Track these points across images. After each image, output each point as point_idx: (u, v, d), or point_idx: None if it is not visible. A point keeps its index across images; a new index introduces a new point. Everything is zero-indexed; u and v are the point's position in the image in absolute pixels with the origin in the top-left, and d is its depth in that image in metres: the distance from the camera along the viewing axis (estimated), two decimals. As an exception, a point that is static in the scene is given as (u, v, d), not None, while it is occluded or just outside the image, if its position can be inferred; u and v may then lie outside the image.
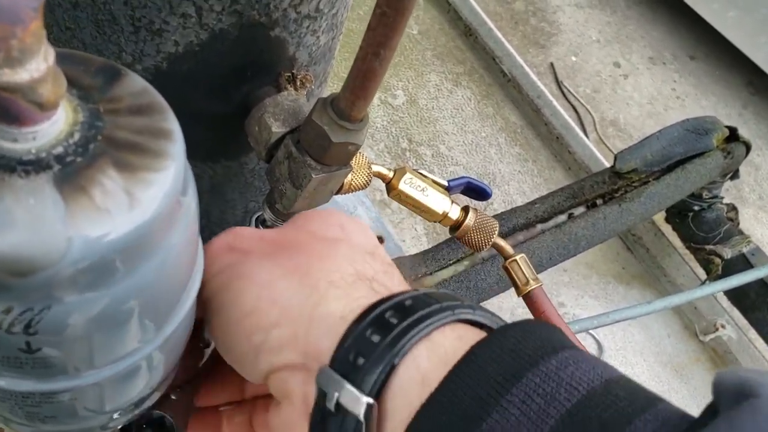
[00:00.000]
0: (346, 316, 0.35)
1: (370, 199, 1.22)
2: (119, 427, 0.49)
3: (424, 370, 0.32)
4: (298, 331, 0.36)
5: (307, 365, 0.35)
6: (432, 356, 0.32)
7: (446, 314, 0.34)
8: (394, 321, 0.33)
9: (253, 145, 0.60)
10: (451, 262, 1.01)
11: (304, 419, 0.35)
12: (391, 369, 0.32)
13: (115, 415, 0.44)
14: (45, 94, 0.27)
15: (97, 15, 0.51)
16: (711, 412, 0.29)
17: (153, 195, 0.30)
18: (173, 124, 0.33)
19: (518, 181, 1.90)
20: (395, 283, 0.39)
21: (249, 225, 0.62)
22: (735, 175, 1.54)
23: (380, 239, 1.21)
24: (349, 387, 0.32)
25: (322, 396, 0.33)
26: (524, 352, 0.31)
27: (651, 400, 0.30)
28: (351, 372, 0.32)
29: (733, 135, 1.45)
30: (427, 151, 1.86)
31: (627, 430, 0.28)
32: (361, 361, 0.32)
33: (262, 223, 0.62)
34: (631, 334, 1.69)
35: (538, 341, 0.32)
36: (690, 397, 1.64)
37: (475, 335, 0.34)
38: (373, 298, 0.35)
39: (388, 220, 1.62)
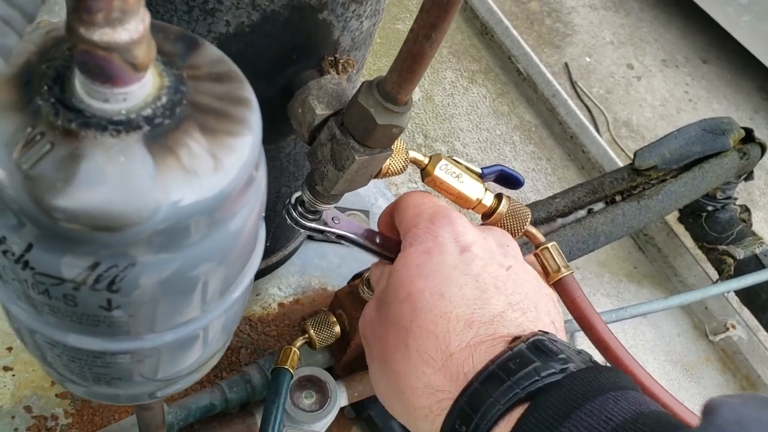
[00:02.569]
0: None
1: (391, 192, 1.23)
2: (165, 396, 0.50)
3: None
4: None
5: None
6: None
7: (496, 410, 0.39)
8: (464, 430, 0.40)
9: (295, 127, 0.61)
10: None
11: None
12: None
13: (162, 385, 0.45)
14: (140, 55, 0.28)
15: (152, -6, 0.52)
16: None
17: (235, 159, 0.31)
18: (250, 94, 0.34)
19: (532, 179, 1.90)
20: (453, 381, 0.43)
21: (286, 205, 0.63)
22: (749, 176, 1.55)
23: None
24: None
25: None
26: (576, 396, 0.37)
27: (674, 427, 0.35)
28: None
29: (749, 136, 1.45)
30: (443, 147, 1.87)
31: None
32: None
33: (300, 203, 0.63)
34: (641, 332, 1.70)
35: (588, 386, 0.38)
36: (699, 395, 1.65)
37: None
38: (444, 410, 0.42)
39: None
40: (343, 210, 1.13)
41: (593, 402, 0.37)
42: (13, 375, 0.86)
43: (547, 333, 0.43)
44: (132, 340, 0.36)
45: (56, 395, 0.85)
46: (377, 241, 0.59)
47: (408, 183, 1.72)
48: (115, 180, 0.28)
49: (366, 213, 1.17)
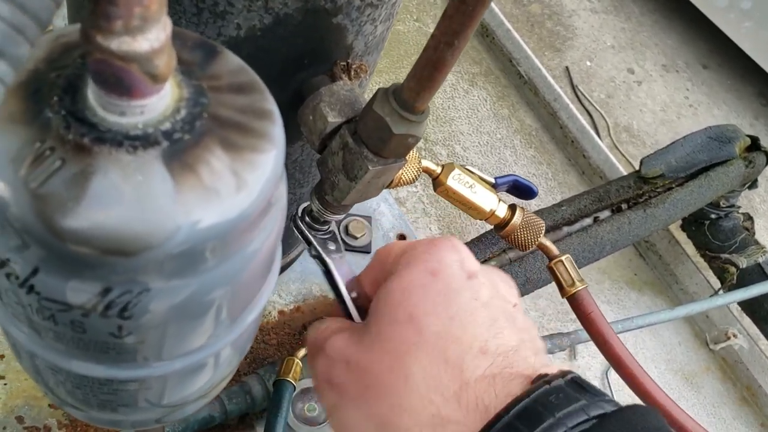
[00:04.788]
0: None
1: (393, 197, 1.21)
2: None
3: None
4: None
5: None
6: None
7: None
8: None
9: (305, 134, 0.59)
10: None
11: None
12: None
13: (168, 411, 0.43)
14: (161, 65, 0.26)
15: (160, -6, 0.50)
16: None
17: (258, 177, 0.29)
18: (273, 105, 0.32)
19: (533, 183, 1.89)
20: (470, 413, 0.39)
21: (293, 216, 0.61)
22: (753, 184, 1.54)
23: (403, 237, 1.20)
24: None
25: None
26: None
27: None
28: None
29: (754, 144, 1.44)
30: (443, 150, 1.85)
31: None
32: None
33: (308, 214, 0.61)
34: (642, 341, 1.68)
35: (623, 429, 0.35)
36: (700, 405, 1.63)
37: None
38: None
39: (407, 218, 1.61)
40: (346, 216, 1.11)
41: None
42: (5, 384, 0.83)
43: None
44: (141, 367, 0.34)
45: (49, 405, 0.83)
46: (351, 295, 0.52)
47: (409, 186, 1.70)
48: (131, 200, 0.26)
49: (368, 219, 1.15)
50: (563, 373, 0.37)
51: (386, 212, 1.19)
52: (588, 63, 2.32)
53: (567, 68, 2.25)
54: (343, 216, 0.62)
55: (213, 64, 0.31)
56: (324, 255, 0.57)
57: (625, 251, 1.81)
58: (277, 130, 0.31)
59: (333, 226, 0.61)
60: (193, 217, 0.27)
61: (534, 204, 1.82)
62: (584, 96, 2.19)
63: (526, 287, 1.01)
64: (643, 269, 1.82)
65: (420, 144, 1.84)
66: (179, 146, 0.27)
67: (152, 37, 0.25)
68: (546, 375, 0.38)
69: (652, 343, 1.69)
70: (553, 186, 1.90)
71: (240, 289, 0.34)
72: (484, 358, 0.40)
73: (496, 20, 2.07)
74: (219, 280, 0.31)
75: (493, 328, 0.41)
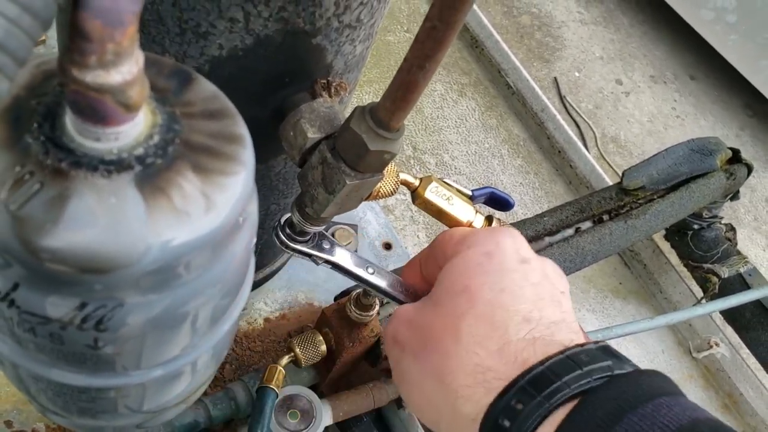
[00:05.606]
0: (476, 418, 0.42)
1: (379, 205, 1.23)
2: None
3: None
4: (452, 428, 0.45)
5: None
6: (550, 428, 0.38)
7: (564, 392, 0.38)
8: (519, 408, 0.39)
9: (287, 149, 0.60)
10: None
11: None
12: None
13: (149, 416, 0.45)
14: (133, 96, 0.28)
15: (144, 15, 0.52)
16: None
17: (227, 198, 0.31)
18: (244, 130, 0.34)
19: (520, 193, 1.91)
20: (514, 355, 0.43)
21: (275, 227, 0.63)
22: (735, 196, 1.56)
23: (388, 246, 1.21)
24: None
25: None
26: (626, 398, 0.37)
27: None
28: None
29: (735, 156, 1.46)
30: (431, 159, 1.87)
31: None
32: None
33: (289, 225, 0.63)
34: (626, 349, 1.70)
35: (640, 389, 0.38)
36: (682, 413, 1.66)
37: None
38: (493, 395, 0.41)
39: (392, 227, 1.63)
40: (331, 224, 1.12)
41: (646, 406, 0.37)
42: (-6, 389, 0.84)
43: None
44: (118, 376, 0.36)
45: (37, 410, 0.84)
46: (370, 271, 0.59)
47: (398, 195, 1.72)
48: (105, 221, 0.28)
49: (354, 227, 1.17)
50: (596, 342, 0.42)
51: (372, 221, 1.20)
52: (576, 74, 2.35)
53: (555, 79, 2.28)
54: (323, 227, 0.64)
55: (187, 92, 0.33)
56: (330, 257, 0.61)
57: (611, 260, 1.84)
58: (246, 153, 0.33)
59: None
60: (164, 237, 0.29)
61: (521, 213, 1.85)
62: (572, 106, 2.22)
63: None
64: (628, 278, 1.84)
65: (409, 152, 1.86)
66: (152, 170, 0.29)
67: (125, 71, 0.27)
68: (583, 344, 0.42)
69: (635, 351, 1.71)
70: (540, 195, 1.92)
71: (214, 301, 0.36)
72: (527, 324, 0.44)
73: (486, 32, 2.10)
74: (192, 294, 0.33)
75: (538, 304, 0.46)
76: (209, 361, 0.42)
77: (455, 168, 1.88)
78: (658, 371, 0.41)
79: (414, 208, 1.74)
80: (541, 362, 0.40)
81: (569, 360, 0.40)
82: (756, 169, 2.32)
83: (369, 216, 1.21)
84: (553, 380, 0.39)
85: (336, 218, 1.17)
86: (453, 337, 0.45)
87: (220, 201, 0.30)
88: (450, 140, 1.93)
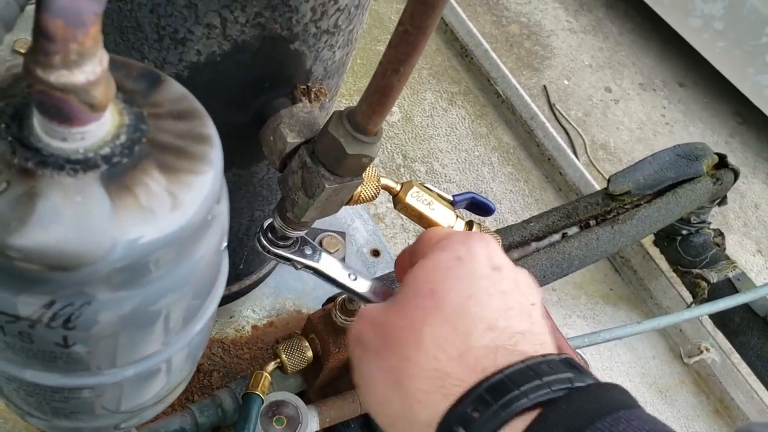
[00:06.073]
0: (431, 424, 0.41)
1: (367, 213, 1.23)
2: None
3: None
4: None
5: None
6: None
7: (522, 402, 0.38)
8: (476, 415, 0.39)
9: (267, 154, 0.61)
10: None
11: None
12: None
13: (127, 416, 0.45)
14: (98, 96, 0.28)
15: (123, 22, 0.52)
16: None
17: (194, 197, 0.31)
18: (211, 130, 0.34)
19: (510, 200, 1.92)
20: (469, 371, 0.42)
21: (258, 232, 0.63)
22: (723, 201, 1.57)
23: (376, 253, 1.22)
24: None
25: None
26: (585, 412, 0.37)
27: None
28: None
29: (722, 162, 1.48)
30: (421, 167, 1.88)
31: None
32: None
33: (271, 230, 0.63)
34: (617, 355, 1.71)
35: (597, 402, 0.38)
36: (674, 419, 1.66)
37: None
38: (450, 401, 0.41)
39: (381, 234, 1.63)
40: (319, 231, 1.13)
41: (604, 420, 0.37)
42: (-21, 398, 0.84)
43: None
44: (92, 375, 0.36)
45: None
46: (351, 277, 0.60)
47: (387, 203, 1.72)
48: (70, 219, 0.28)
49: (342, 234, 1.17)
50: (559, 353, 0.42)
51: (360, 228, 1.21)
52: (566, 82, 2.36)
53: (545, 87, 2.29)
54: (305, 231, 0.64)
55: (155, 93, 0.34)
56: (310, 263, 0.61)
57: (601, 267, 1.84)
58: (214, 152, 0.33)
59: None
60: (130, 235, 0.29)
61: (511, 221, 1.85)
62: (562, 114, 2.23)
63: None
64: (618, 284, 1.85)
65: (399, 161, 1.87)
66: (118, 169, 0.30)
67: (88, 70, 0.27)
68: (545, 354, 0.42)
69: (626, 357, 1.71)
70: (530, 203, 1.93)
71: (185, 299, 0.36)
72: (492, 332, 0.44)
73: (475, 41, 2.11)
74: (162, 292, 0.33)
75: (506, 313, 0.45)
76: (184, 360, 0.42)
77: (445, 176, 1.89)
78: (617, 384, 0.41)
79: (404, 216, 1.75)
80: (501, 370, 0.40)
81: (529, 370, 0.39)
82: (745, 175, 2.34)
83: (357, 223, 1.21)
84: (510, 389, 0.39)
85: (324, 225, 1.18)
86: (415, 341, 0.44)
87: (186, 199, 0.31)
88: (440, 148, 1.94)
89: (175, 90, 0.34)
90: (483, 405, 0.39)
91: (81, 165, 0.29)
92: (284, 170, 0.61)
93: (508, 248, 1.11)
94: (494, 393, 0.39)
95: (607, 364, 1.68)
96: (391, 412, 0.45)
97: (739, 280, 1.59)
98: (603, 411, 0.37)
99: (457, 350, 0.43)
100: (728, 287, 1.58)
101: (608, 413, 0.37)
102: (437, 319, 0.44)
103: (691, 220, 1.57)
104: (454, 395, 0.40)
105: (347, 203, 0.65)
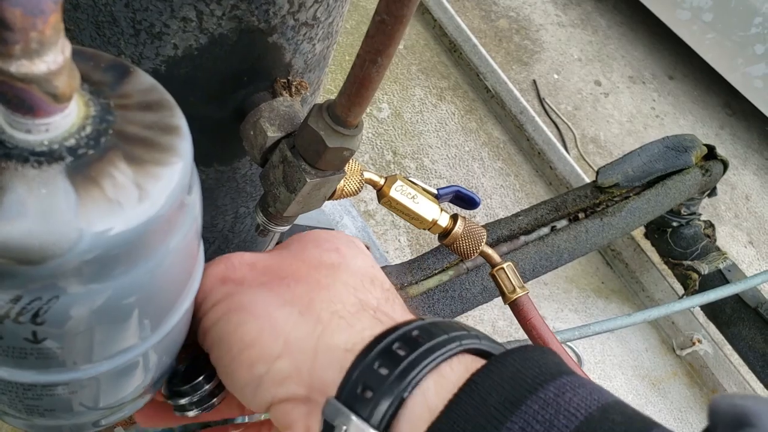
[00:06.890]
0: (352, 348, 0.35)
1: (356, 210, 1.23)
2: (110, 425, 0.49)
3: (433, 403, 0.32)
4: (303, 364, 0.36)
5: (312, 398, 0.35)
6: (440, 390, 0.32)
7: (454, 345, 0.34)
8: (401, 353, 0.33)
9: (247, 149, 0.61)
10: (436, 271, 1.02)
11: None
12: (400, 402, 0.32)
13: (107, 413, 0.45)
14: (60, 86, 0.28)
15: (98, 17, 0.52)
16: None
17: (162, 189, 0.31)
18: (181, 121, 0.34)
19: (500, 195, 1.92)
20: (398, 312, 0.40)
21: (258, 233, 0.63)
22: (713, 192, 1.57)
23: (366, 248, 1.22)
24: (356, 420, 0.32)
25: (328, 429, 0.33)
26: (523, 379, 0.31)
27: (647, 425, 0.30)
28: (359, 405, 0.32)
29: (711, 153, 1.48)
30: (411, 163, 1.88)
31: None
32: (369, 394, 0.32)
33: (255, 227, 0.63)
34: (609, 348, 1.71)
35: (536, 368, 0.32)
36: (667, 411, 1.66)
37: (481, 365, 0.33)
38: (378, 329, 0.35)
39: (372, 231, 1.63)
40: (307, 228, 1.13)
41: (547, 389, 0.30)
42: (-35, 401, 0.84)
43: None
44: (65, 371, 0.36)
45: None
46: None
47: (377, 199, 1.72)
48: (35, 212, 0.28)
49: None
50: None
51: (349, 224, 1.21)
52: (555, 76, 2.36)
53: (534, 81, 2.29)
54: (288, 227, 0.64)
55: (124, 84, 0.33)
56: None
57: (592, 260, 1.85)
58: (183, 144, 0.33)
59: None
60: (96, 228, 0.29)
61: (502, 215, 1.85)
62: (551, 108, 2.23)
63: (483, 295, 1.03)
64: (610, 277, 1.85)
65: (389, 157, 1.87)
66: (83, 161, 0.29)
67: (50, 60, 0.27)
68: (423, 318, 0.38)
69: (619, 350, 1.72)
70: (521, 197, 1.93)
71: (160, 291, 0.36)
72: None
73: (463, 35, 2.11)
74: (136, 284, 0.33)
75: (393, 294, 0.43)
76: (162, 353, 0.42)
77: (436, 172, 1.89)
78: (544, 347, 0.35)
79: (389, 210, 1.75)
80: (413, 321, 0.36)
81: (454, 323, 0.36)
82: (736, 166, 2.35)
83: (346, 220, 1.21)
84: (438, 333, 0.34)
85: (313, 222, 1.17)
86: (329, 275, 0.40)
87: (154, 191, 0.30)
88: (430, 144, 1.94)
89: (144, 81, 0.34)
90: (410, 344, 0.33)
91: (45, 157, 0.29)
92: (265, 165, 0.61)
93: (496, 242, 1.11)
94: (426, 333, 0.34)
95: (599, 358, 1.69)
96: (275, 344, 0.37)
97: (729, 271, 1.59)
98: (545, 377, 0.31)
99: (382, 293, 0.40)
100: (719, 278, 1.59)
101: (551, 379, 0.31)
102: (348, 273, 0.41)
103: (682, 211, 1.58)
104: (382, 324, 0.36)
105: (331, 198, 0.65)
